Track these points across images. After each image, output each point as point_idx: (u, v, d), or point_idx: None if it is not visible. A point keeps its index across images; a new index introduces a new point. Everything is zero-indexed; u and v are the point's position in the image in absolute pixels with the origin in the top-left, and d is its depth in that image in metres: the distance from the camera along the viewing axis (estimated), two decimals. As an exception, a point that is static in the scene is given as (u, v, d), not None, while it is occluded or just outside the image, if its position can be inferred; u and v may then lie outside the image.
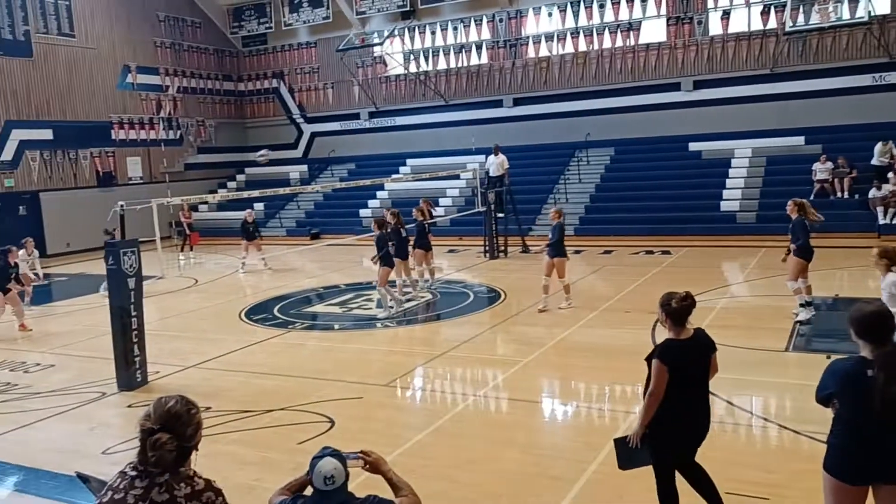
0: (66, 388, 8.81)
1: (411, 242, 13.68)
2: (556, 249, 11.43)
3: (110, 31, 24.78)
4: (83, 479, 3.82)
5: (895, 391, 3.34)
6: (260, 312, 12.78)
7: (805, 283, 10.18)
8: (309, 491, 2.94)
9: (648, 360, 4.42)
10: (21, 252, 14.20)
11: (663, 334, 4.66)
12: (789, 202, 10.31)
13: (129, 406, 8.00)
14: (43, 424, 7.58)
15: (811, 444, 5.80)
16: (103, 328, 9.66)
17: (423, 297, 13.35)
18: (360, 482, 3.39)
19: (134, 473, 2.64)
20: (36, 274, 15.67)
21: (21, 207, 22.17)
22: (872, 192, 17.50)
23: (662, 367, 4.31)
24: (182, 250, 22.18)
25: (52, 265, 20.81)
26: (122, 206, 9.12)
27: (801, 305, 10.17)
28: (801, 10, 20.24)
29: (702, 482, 4.59)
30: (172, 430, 2.61)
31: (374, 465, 3.06)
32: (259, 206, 26.22)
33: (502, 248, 17.90)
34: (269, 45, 29.14)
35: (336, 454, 2.89)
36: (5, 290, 11.83)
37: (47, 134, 22.70)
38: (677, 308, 4.39)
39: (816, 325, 10.11)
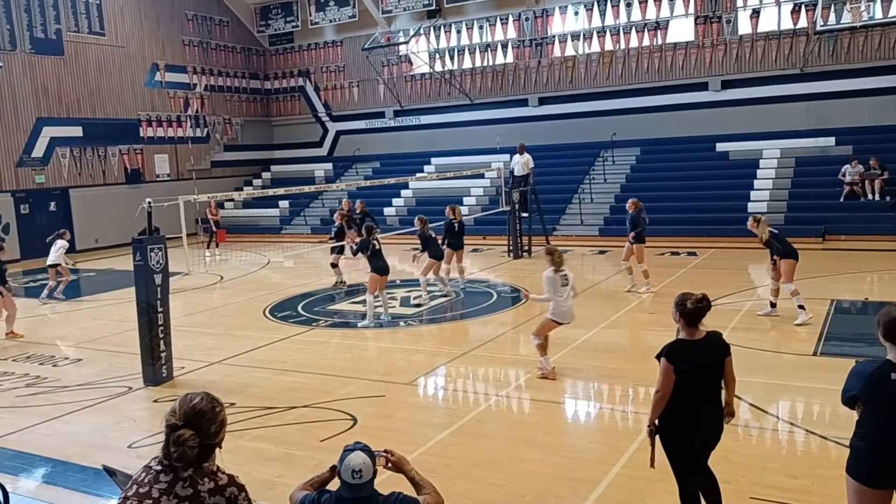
0: (93, 382, 8.95)
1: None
2: (637, 237, 12.72)
3: (140, 29, 25.12)
4: (109, 472, 3.88)
5: None
6: (284, 310, 12.87)
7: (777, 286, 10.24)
8: (333, 486, 2.97)
9: (658, 358, 4.40)
10: (60, 242, 14.59)
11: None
12: (750, 220, 10.61)
13: (155, 401, 8.10)
14: (71, 417, 7.70)
15: (838, 450, 5.70)
16: (131, 324, 9.79)
17: (448, 295, 13.32)
18: (383, 480, 3.39)
19: (159, 468, 2.67)
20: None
21: (51, 203, 22.56)
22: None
23: (669, 367, 4.29)
24: (208, 247, 22.40)
25: (80, 261, 21.14)
26: (149, 202, 9.23)
27: (800, 307, 10.04)
28: (832, 9, 19.91)
29: (708, 492, 4.51)
30: (196, 427, 2.63)
31: (396, 465, 3.07)
32: (284, 203, 26.46)
33: (526, 247, 17.84)
34: (295, 44, 29.34)
35: (367, 450, 2.92)
36: None
37: (77, 131, 23.05)
38: (692, 309, 4.35)
39: (845, 328, 9.96)
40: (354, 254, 11.77)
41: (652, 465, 4.46)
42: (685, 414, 4.30)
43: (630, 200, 13.29)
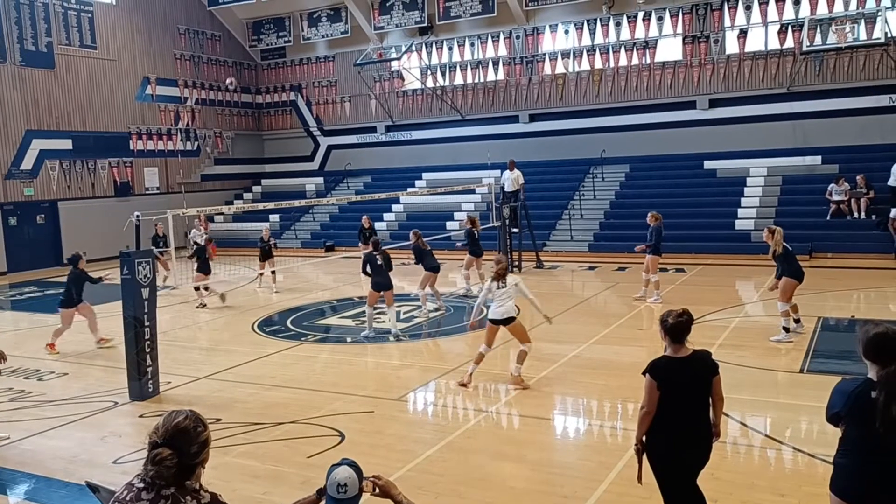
0: (78, 396, 8.86)
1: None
2: (655, 248, 13.20)
3: (131, 43, 25.13)
4: (93, 488, 3.84)
5: (894, 412, 3.35)
6: (273, 324, 12.81)
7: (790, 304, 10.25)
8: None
9: (644, 374, 4.41)
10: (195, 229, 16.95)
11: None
12: (766, 230, 10.56)
13: (141, 416, 8.03)
14: (55, 432, 7.62)
15: (825, 468, 5.70)
16: (117, 337, 9.72)
17: (440, 309, 13.35)
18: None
19: (141, 485, 2.65)
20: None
21: (39, 216, 22.44)
22: (894, 213, 17.28)
23: (652, 383, 4.29)
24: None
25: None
26: (137, 216, 9.20)
27: (785, 329, 10.09)
28: (818, 30, 20.19)
29: None
30: (176, 447, 2.61)
31: (384, 489, 3.05)
32: (274, 217, 26.41)
33: (517, 263, 17.87)
34: (287, 59, 29.43)
35: (354, 465, 2.92)
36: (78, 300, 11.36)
37: (67, 144, 22.98)
38: (674, 324, 4.34)
39: (832, 346, 10.01)
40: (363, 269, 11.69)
41: (639, 481, 4.46)
42: (670, 431, 4.29)
43: (650, 213, 13.59)
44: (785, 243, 10.26)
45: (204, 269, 14.62)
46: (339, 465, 2.93)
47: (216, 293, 14.87)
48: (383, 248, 11.88)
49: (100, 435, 7.49)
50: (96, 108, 23.93)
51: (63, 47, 22.79)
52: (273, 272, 16.93)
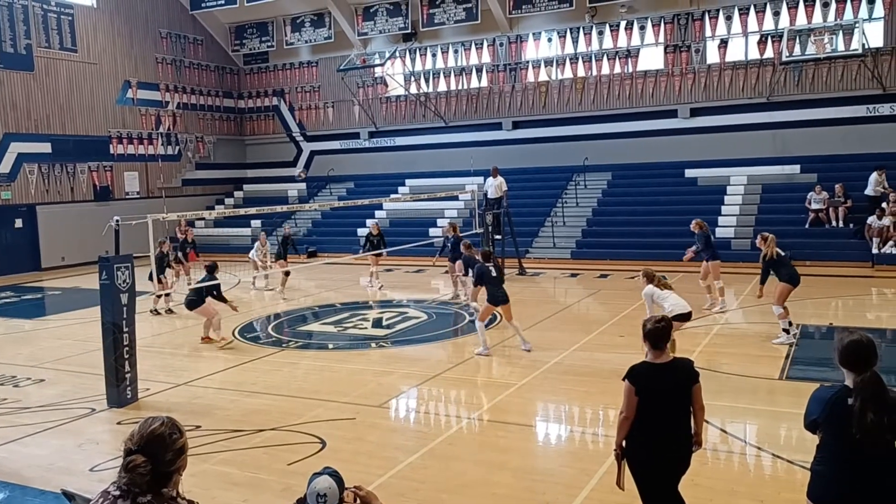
0: (55, 403, 8.74)
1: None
2: (713, 254, 13.20)
3: (112, 46, 24.93)
4: (69, 496, 3.78)
5: (870, 419, 3.38)
6: (254, 330, 12.73)
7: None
8: None
9: (624, 379, 4.43)
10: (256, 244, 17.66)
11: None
12: (759, 238, 10.83)
13: (119, 423, 7.93)
14: (31, 440, 7.50)
15: (804, 474, 5.73)
16: (96, 343, 9.60)
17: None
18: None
19: (117, 493, 2.60)
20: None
21: (17, 220, 22.14)
22: (872, 220, 17.52)
23: (630, 388, 4.32)
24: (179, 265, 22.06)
25: (46, 279, 20.75)
26: (117, 220, 9.10)
27: (785, 331, 10.35)
28: (797, 40, 20.46)
29: None
30: (150, 453, 2.57)
31: (364, 501, 3.02)
32: (256, 223, 26.26)
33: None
34: (270, 64, 29.33)
35: (335, 475, 2.89)
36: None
37: (46, 147, 22.72)
38: (652, 330, 4.36)
39: (811, 353, 10.12)
40: (475, 283, 10.66)
41: (619, 485, 4.46)
42: (649, 438, 4.31)
43: (695, 221, 13.64)
44: (778, 249, 10.54)
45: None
46: (320, 474, 2.90)
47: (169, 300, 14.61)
48: (494, 258, 10.97)
49: (77, 442, 7.39)
50: (76, 112, 23.69)
51: (43, 50, 22.55)
52: (287, 273, 16.54)
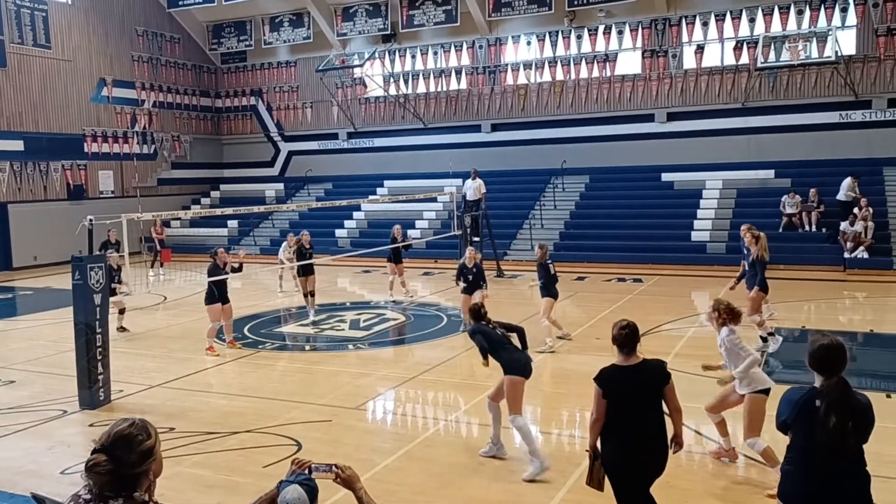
0: (26, 405, 8.60)
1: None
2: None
3: (87, 43, 24.60)
4: (38, 500, 3.71)
5: (833, 423, 3.45)
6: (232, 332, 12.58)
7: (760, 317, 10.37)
8: None
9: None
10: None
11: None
12: (746, 232, 10.49)
13: (91, 425, 7.81)
14: (1, 442, 7.37)
15: (777, 476, 5.82)
16: (68, 344, 9.47)
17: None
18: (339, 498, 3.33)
19: (88, 496, 2.56)
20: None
21: (-12, 218, 21.78)
22: (844, 226, 17.80)
23: (598, 391, 4.39)
24: (152, 266, 21.86)
25: (17, 279, 20.40)
26: (90, 220, 8.97)
27: (763, 338, 10.31)
28: (772, 47, 20.77)
29: None
30: (114, 454, 2.52)
31: (346, 481, 2.98)
32: (233, 223, 26.06)
33: (476, 272, 17.88)
34: (248, 63, 29.12)
35: (305, 483, 2.82)
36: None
37: (18, 145, 22.35)
38: (616, 335, 4.47)
39: (784, 356, 10.25)
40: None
41: (592, 484, 4.53)
42: (620, 439, 4.36)
43: (745, 227, 11.34)
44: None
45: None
46: (290, 482, 2.82)
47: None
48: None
49: (48, 445, 7.27)
50: (49, 109, 23.35)
51: (15, 46, 22.19)
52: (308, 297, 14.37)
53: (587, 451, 4.51)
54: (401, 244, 15.37)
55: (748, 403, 5.92)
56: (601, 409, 4.37)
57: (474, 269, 11.55)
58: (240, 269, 11.56)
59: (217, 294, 10.95)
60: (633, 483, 4.42)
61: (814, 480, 3.58)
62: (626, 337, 4.43)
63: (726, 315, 6.11)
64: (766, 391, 5.95)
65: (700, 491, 5.81)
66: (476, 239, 17.94)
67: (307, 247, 13.73)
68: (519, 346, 6.85)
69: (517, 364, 6.48)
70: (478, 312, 6.94)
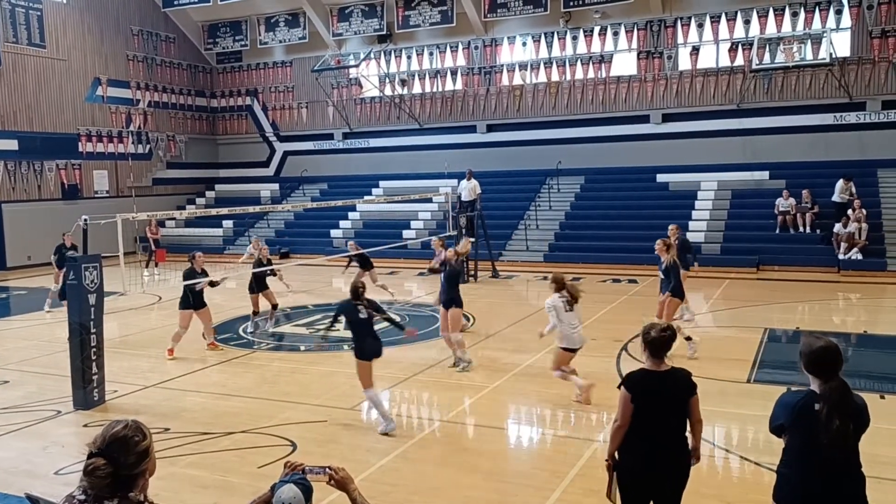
0: (20, 405, 8.57)
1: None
2: None
3: (82, 43, 24.54)
4: (32, 500, 3.71)
5: (837, 426, 3.43)
6: (224, 332, 12.58)
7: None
8: None
9: (619, 387, 4.28)
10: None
11: (628, 363, 4.67)
12: (660, 242, 10.50)
13: (85, 425, 7.80)
14: (-6, 443, 7.35)
15: (771, 476, 5.81)
16: (62, 344, 9.44)
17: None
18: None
19: (82, 497, 2.56)
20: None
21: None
22: (838, 228, 17.86)
23: (626, 396, 4.15)
24: (147, 266, 21.81)
25: (11, 278, 20.34)
26: (85, 219, 8.95)
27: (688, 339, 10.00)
28: (767, 48, 20.83)
29: None
30: (112, 456, 2.53)
31: (340, 483, 2.99)
32: (228, 223, 26.02)
33: (472, 272, 17.92)
34: (243, 63, 29.08)
35: (300, 482, 2.83)
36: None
37: (12, 145, 22.29)
38: (655, 338, 4.21)
39: (778, 357, 10.28)
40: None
41: (609, 497, 4.27)
42: (640, 448, 4.13)
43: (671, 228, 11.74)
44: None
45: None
46: (285, 482, 2.83)
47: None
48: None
49: (42, 445, 7.25)
50: (44, 109, 23.28)
51: (10, 45, 22.12)
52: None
53: (606, 460, 4.26)
54: (353, 253, 15.62)
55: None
56: (627, 414, 4.12)
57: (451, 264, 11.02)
58: (217, 285, 11.34)
59: (192, 300, 10.78)
60: (644, 494, 4.21)
61: (814, 482, 3.57)
62: (668, 340, 4.23)
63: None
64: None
65: (692, 490, 5.80)
66: (471, 240, 17.93)
67: (265, 262, 13.33)
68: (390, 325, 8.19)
69: (363, 351, 7.57)
70: (356, 291, 7.67)
